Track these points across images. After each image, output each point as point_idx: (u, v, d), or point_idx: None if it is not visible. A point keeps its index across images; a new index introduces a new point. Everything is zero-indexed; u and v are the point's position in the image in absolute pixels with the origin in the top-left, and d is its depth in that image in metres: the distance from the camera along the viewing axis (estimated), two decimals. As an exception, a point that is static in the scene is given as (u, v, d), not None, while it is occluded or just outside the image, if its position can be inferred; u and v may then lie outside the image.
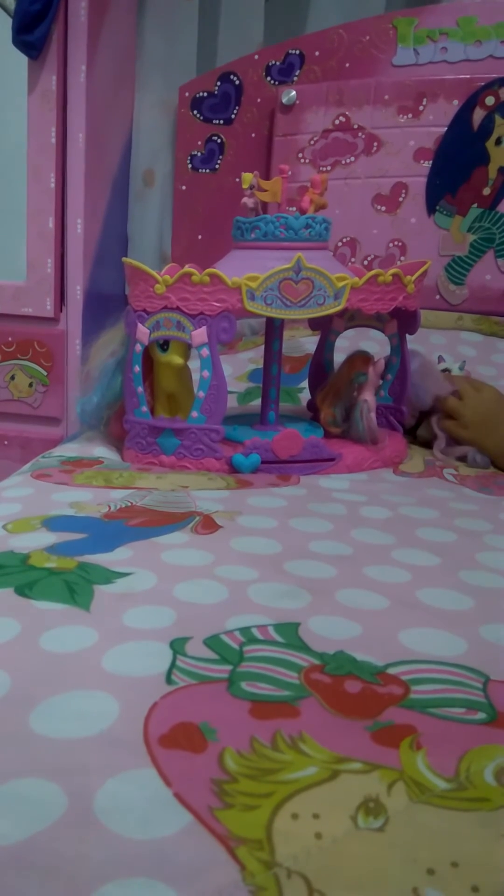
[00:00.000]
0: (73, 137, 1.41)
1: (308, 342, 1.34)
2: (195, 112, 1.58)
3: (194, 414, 0.92)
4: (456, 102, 1.42)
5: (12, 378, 1.51)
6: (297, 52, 1.52)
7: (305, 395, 1.18)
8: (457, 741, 0.40)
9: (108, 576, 0.59)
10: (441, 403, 1.05)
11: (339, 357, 1.07)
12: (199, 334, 0.89)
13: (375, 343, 1.18)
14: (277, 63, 1.53)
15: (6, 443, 1.53)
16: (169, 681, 0.45)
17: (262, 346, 1.04)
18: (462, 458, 1.02)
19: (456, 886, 0.32)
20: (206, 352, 0.90)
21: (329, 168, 1.50)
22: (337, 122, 1.48)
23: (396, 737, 0.41)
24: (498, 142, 1.42)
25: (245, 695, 0.44)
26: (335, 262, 0.97)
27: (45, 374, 1.50)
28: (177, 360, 0.93)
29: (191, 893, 0.32)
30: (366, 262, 1.51)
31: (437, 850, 0.34)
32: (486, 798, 0.36)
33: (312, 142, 1.50)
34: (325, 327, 1.12)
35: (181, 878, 0.32)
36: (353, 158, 1.49)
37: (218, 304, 0.88)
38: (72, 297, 1.47)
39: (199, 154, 1.60)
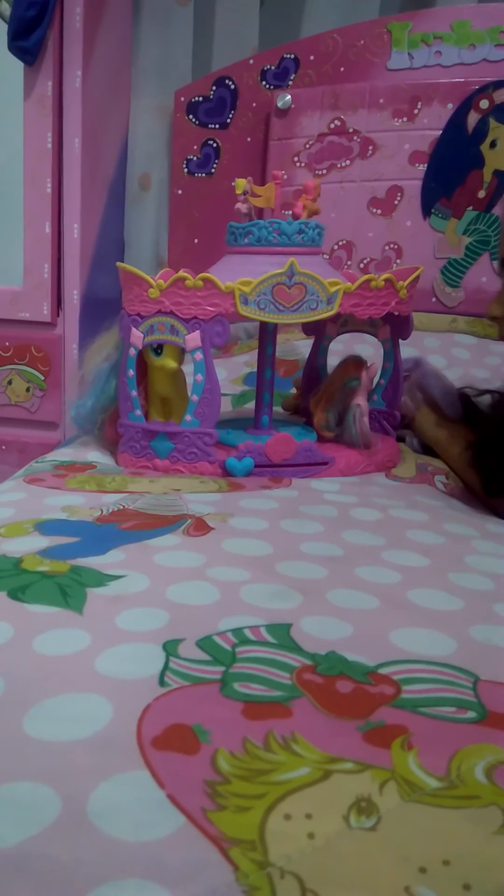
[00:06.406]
0: (69, 143, 1.41)
1: (303, 345, 1.34)
2: (191, 116, 1.59)
3: (188, 418, 0.92)
4: (450, 106, 1.42)
5: (9, 383, 1.52)
6: (292, 56, 1.53)
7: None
8: (448, 740, 0.41)
9: (101, 579, 0.59)
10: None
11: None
12: (193, 338, 0.89)
13: (370, 346, 1.18)
14: (272, 67, 1.54)
15: (3, 448, 1.53)
16: (162, 683, 0.45)
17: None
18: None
19: (448, 884, 0.33)
20: (199, 356, 0.90)
21: (325, 171, 1.50)
22: (332, 125, 1.48)
23: (388, 736, 0.41)
24: (492, 145, 1.42)
25: (237, 696, 0.44)
26: (328, 267, 0.97)
27: (43, 378, 1.50)
28: (170, 363, 0.94)
29: (185, 894, 0.32)
30: (362, 265, 1.51)
31: (429, 849, 0.34)
32: (476, 796, 0.37)
33: (308, 145, 1.51)
34: (319, 332, 1.13)
35: (175, 880, 0.33)
36: (348, 162, 1.49)
37: (211, 309, 0.88)
38: (69, 302, 1.47)
39: (194, 158, 1.61)
